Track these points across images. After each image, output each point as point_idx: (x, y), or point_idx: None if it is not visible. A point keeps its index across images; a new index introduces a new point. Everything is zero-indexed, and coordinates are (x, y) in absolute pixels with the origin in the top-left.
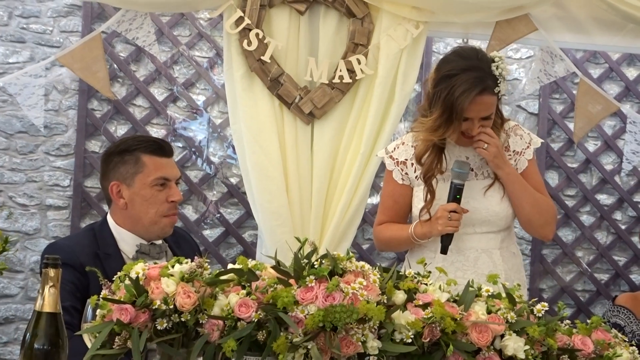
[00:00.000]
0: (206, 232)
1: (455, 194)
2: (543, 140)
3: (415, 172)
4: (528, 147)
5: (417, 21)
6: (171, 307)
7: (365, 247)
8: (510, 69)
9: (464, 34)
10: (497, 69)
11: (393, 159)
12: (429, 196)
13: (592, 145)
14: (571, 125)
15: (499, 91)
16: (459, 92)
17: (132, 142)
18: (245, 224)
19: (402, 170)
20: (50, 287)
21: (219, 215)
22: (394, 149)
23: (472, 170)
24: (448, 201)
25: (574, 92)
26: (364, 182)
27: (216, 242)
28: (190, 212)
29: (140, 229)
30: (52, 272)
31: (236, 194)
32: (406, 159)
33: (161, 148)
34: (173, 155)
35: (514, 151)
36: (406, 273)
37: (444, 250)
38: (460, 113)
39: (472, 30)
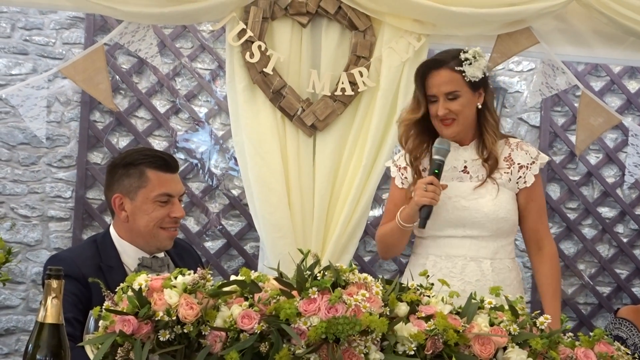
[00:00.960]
0: (208, 244)
1: (434, 169)
2: (550, 158)
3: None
4: (534, 162)
5: (419, 34)
6: (174, 318)
7: (366, 259)
8: (512, 81)
9: (466, 47)
10: (464, 53)
11: (397, 166)
12: (415, 176)
13: (593, 158)
14: (573, 138)
15: (462, 71)
16: (419, 68)
17: (138, 156)
18: (247, 235)
19: (402, 175)
20: (52, 298)
21: (220, 227)
22: (399, 157)
23: (467, 170)
24: (429, 174)
25: (576, 104)
26: (365, 194)
27: (218, 253)
28: (192, 223)
29: (141, 242)
30: (54, 283)
31: (238, 206)
32: (406, 165)
33: (167, 164)
34: (178, 171)
35: (518, 165)
36: (409, 285)
37: (422, 224)
38: (418, 89)
39: (474, 43)
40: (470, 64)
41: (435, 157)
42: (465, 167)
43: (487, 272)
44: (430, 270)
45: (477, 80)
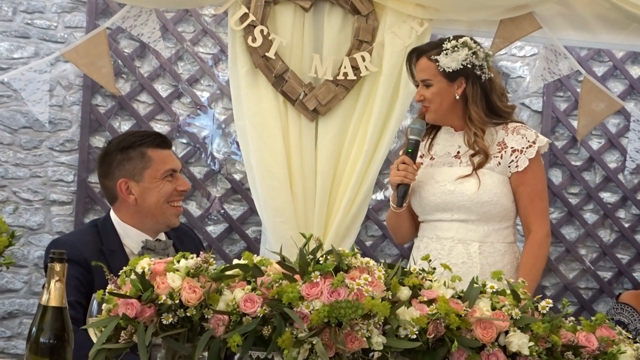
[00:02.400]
0: (210, 228)
1: (407, 148)
2: (550, 141)
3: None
4: (530, 145)
5: (421, 19)
6: (177, 302)
7: (368, 243)
8: (514, 66)
9: (468, 32)
10: (448, 42)
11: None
12: (401, 151)
13: (595, 143)
14: (575, 123)
15: (436, 60)
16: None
17: (134, 139)
18: (249, 220)
19: None
20: (56, 281)
21: (222, 211)
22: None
23: (459, 156)
24: (403, 154)
25: (578, 90)
26: (367, 178)
27: (219, 238)
28: (193, 207)
29: (150, 222)
30: (58, 266)
31: (240, 190)
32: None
33: (164, 141)
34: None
35: (511, 148)
36: (411, 269)
37: (399, 203)
38: (409, 69)
39: (477, 28)
40: (447, 54)
41: (410, 137)
42: (458, 152)
43: (474, 255)
44: (423, 251)
45: (450, 70)
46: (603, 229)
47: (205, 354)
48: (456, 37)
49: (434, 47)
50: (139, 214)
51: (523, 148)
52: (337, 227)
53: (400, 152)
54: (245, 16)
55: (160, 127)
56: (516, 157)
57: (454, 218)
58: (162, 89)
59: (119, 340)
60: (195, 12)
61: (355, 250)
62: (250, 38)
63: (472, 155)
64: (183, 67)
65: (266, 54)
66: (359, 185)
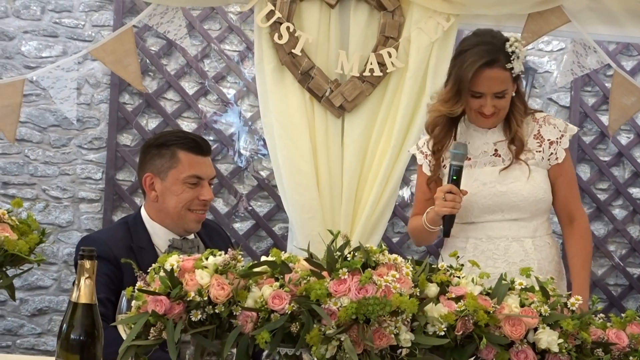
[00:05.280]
0: (237, 225)
1: (452, 175)
2: (578, 128)
3: (442, 161)
4: (563, 135)
5: (448, 14)
6: (205, 298)
7: (395, 240)
8: (542, 61)
9: (496, 27)
10: (510, 46)
11: (422, 152)
12: (435, 166)
13: (624, 138)
14: (603, 118)
15: (512, 68)
16: (467, 63)
17: (171, 137)
18: (276, 217)
19: (430, 161)
20: (86, 278)
21: (249, 208)
22: (424, 143)
23: (498, 153)
24: (448, 182)
25: (607, 84)
26: (394, 175)
27: (246, 235)
28: (220, 205)
29: (170, 223)
30: (87, 263)
31: (266, 188)
32: (429, 153)
33: (198, 146)
34: (210, 155)
35: (548, 140)
36: (439, 266)
37: (446, 233)
38: (466, 83)
39: (504, 22)
40: (518, 57)
41: (453, 162)
42: (496, 150)
43: (530, 250)
44: (472, 252)
45: (518, 74)
46: (632, 224)
47: (234, 350)
48: (504, 37)
49: (500, 52)
50: (161, 212)
51: (557, 139)
52: (364, 223)
53: (426, 172)
54: (271, 13)
55: (187, 124)
56: (555, 149)
57: (505, 218)
58: (189, 86)
59: (149, 337)
60: (221, 10)
61: (383, 246)
62: (276, 35)
63: (511, 142)
64: (209, 64)
65: (292, 50)
66: (386, 181)
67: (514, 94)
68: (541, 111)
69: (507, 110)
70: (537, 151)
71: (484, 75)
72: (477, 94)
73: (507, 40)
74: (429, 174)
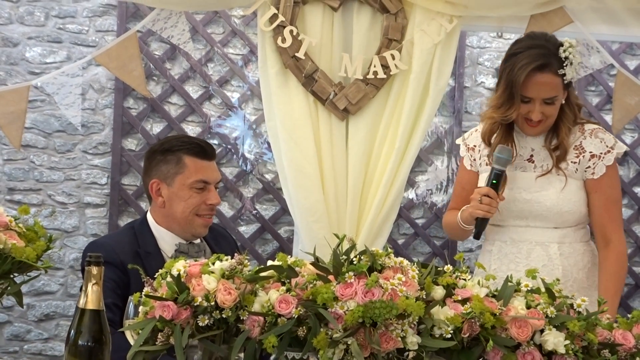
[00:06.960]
0: (242, 229)
1: (492, 179)
2: (627, 148)
3: (481, 157)
4: (609, 151)
5: (450, 16)
6: (212, 303)
7: (400, 242)
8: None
9: (498, 28)
10: (564, 51)
11: (466, 145)
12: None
13: (629, 138)
14: (607, 118)
15: (564, 74)
16: (518, 66)
17: (176, 143)
18: (281, 220)
19: (471, 156)
20: (93, 284)
21: (254, 211)
22: (469, 135)
23: (532, 159)
24: (486, 185)
25: (610, 84)
26: (399, 177)
27: (252, 238)
28: (226, 208)
29: (177, 228)
30: (95, 269)
31: (271, 191)
32: (475, 145)
33: (204, 151)
34: (215, 159)
35: (590, 153)
36: (444, 268)
37: (476, 235)
38: (517, 87)
39: (507, 24)
40: (571, 63)
41: (495, 166)
42: (532, 155)
43: (555, 256)
44: (496, 255)
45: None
46: (638, 224)
47: (242, 355)
48: (559, 41)
49: (553, 57)
50: (168, 218)
51: (601, 154)
52: (369, 226)
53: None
54: (274, 17)
55: (191, 128)
56: (594, 164)
57: (529, 225)
58: (193, 90)
59: (156, 342)
60: (224, 14)
61: (389, 249)
62: (279, 38)
63: (553, 149)
64: (213, 68)
65: (296, 54)
66: (391, 183)
67: (563, 101)
68: (595, 123)
69: (555, 118)
70: (572, 162)
71: (534, 80)
72: (526, 99)
73: (562, 44)
74: (469, 168)
